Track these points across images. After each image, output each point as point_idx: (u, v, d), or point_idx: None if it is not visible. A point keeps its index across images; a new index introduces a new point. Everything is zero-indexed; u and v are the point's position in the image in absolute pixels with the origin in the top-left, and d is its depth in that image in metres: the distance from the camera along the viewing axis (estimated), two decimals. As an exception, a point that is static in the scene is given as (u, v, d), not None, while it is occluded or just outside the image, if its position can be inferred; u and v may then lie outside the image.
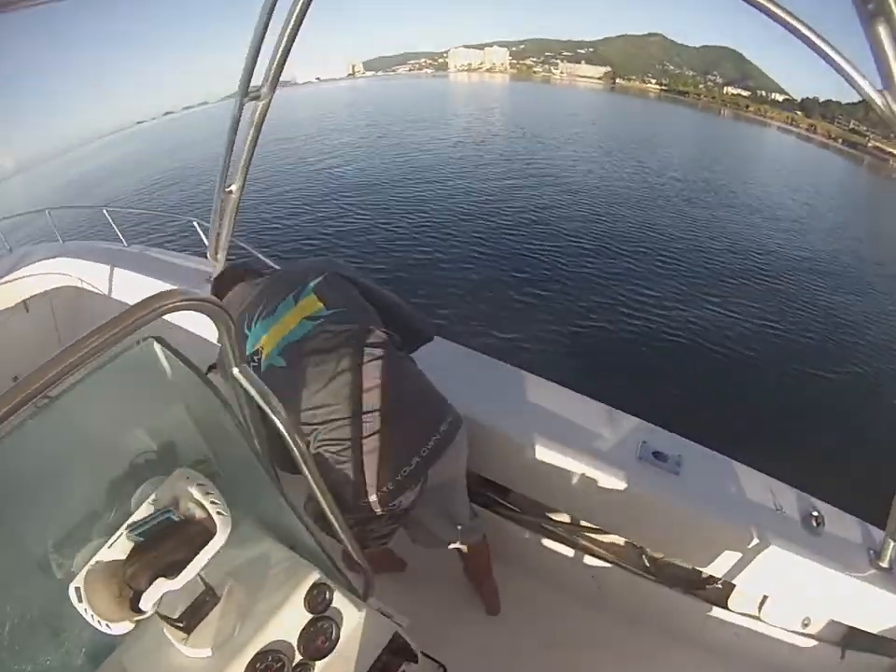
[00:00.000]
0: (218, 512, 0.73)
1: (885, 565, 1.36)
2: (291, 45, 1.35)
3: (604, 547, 1.80)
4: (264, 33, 1.33)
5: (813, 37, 0.78)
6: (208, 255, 2.12)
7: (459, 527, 1.54)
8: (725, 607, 1.66)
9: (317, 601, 0.89)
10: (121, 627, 0.69)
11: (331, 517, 0.93)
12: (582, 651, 1.70)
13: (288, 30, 1.31)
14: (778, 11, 0.77)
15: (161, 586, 0.70)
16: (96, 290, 3.33)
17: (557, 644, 1.72)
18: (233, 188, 1.59)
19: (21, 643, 0.73)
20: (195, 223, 2.98)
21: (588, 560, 1.79)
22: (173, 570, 0.70)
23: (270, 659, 0.82)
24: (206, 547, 0.71)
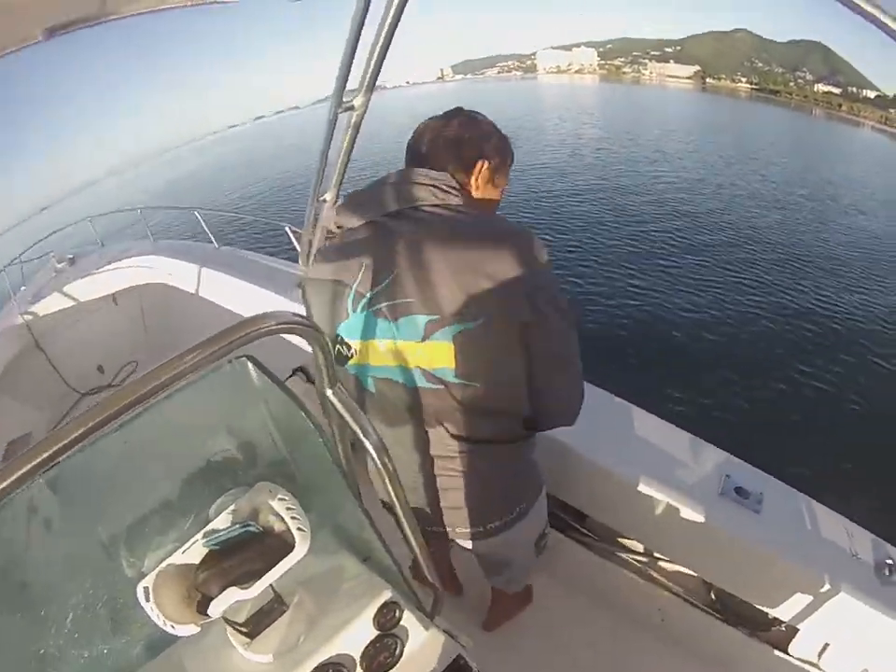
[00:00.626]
0: (299, 528, 0.74)
1: None
2: (385, 54, 1.36)
3: (673, 580, 1.76)
4: (357, 42, 1.35)
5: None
6: (299, 261, 2.22)
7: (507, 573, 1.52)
8: (786, 651, 1.59)
9: (386, 619, 0.89)
10: (186, 629, 0.71)
11: (408, 531, 0.92)
12: None
13: (382, 39, 1.32)
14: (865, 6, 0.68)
15: (233, 595, 0.71)
16: (185, 289, 3.51)
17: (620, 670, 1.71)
18: (327, 196, 1.63)
19: (83, 632, 0.76)
20: (287, 228, 3.05)
21: (656, 592, 1.76)
22: (246, 580, 0.72)
23: (331, 671, 0.82)
24: (283, 561, 0.73)
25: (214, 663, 0.86)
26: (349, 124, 1.46)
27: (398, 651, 0.88)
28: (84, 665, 0.77)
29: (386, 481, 0.83)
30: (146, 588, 0.72)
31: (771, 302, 7.59)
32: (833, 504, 1.51)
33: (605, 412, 1.70)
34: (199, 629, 0.73)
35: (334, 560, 0.98)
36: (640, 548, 1.78)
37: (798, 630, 1.53)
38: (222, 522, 0.75)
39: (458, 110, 1.15)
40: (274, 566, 0.72)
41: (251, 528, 0.73)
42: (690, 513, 1.45)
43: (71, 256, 4.45)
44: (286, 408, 0.79)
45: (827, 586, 1.35)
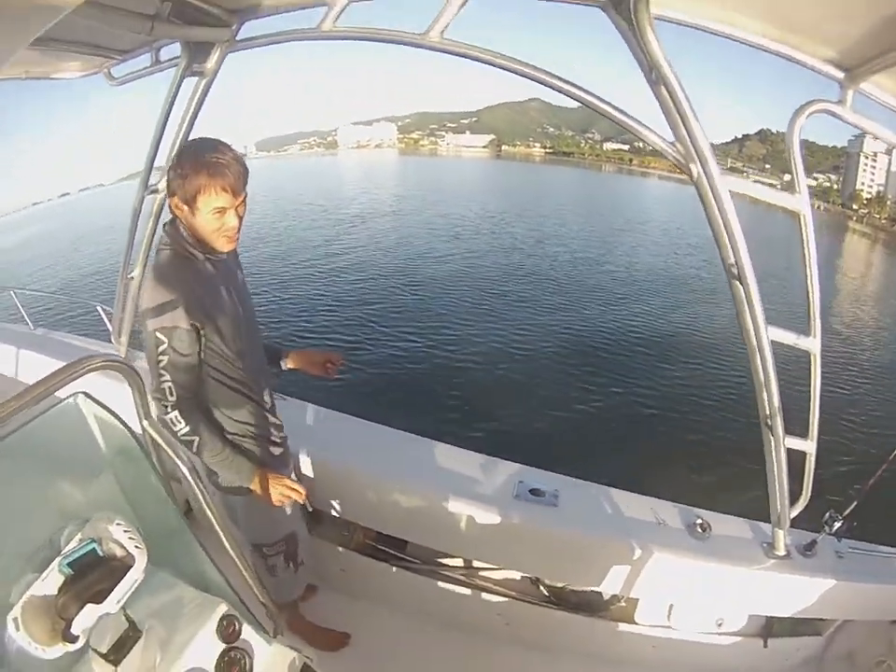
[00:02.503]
0: (136, 546, 0.85)
1: (781, 553, 1.46)
2: (190, 131, 1.53)
3: (501, 584, 1.88)
4: (163, 130, 1.50)
5: (610, 109, 0.99)
6: (112, 339, 2.18)
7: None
8: (633, 622, 1.73)
9: (228, 632, 0.99)
10: (55, 651, 0.78)
11: (237, 559, 1.06)
12: None
13: (184, 126, 1.49)
14: (575, 90, 1.00)
15: (91, 612, 0.80)
16: (2, 373, 3.08)
17: None
18: (135, 274, 1.72)
19: None
20: (99, 308, 2.97)
21: (491, 598, 1.85)
22: (99, 597, 0.81)
23: None
24: (127, 575, 0.83)
25: None
26: (153, 206, 1.59)
27: (248, 666, 0.99)
28: None
29: (203, 505, 0.95)
30: (15, 619, 0.77)
31: (545, 327, 9.04)
32: (631, 489, 1.67)
33: (397, 446, 1.89)
34: (66, 649, 0.79)
35: (176, 591, 1.05)
36: (461, 562, 1.91)
37: (638, 600, 1.70)
38: (72, 545, 0.84)
39: None
40: (120, 581, 0.82)
41: (95, 546, 0.83)
42: (494, 518, 1.57)
43: None
44: (122, 443, 0.90)
45: (645, 554, 1.46)
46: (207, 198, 1.18)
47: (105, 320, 2.83)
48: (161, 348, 1.20)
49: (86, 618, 0.79)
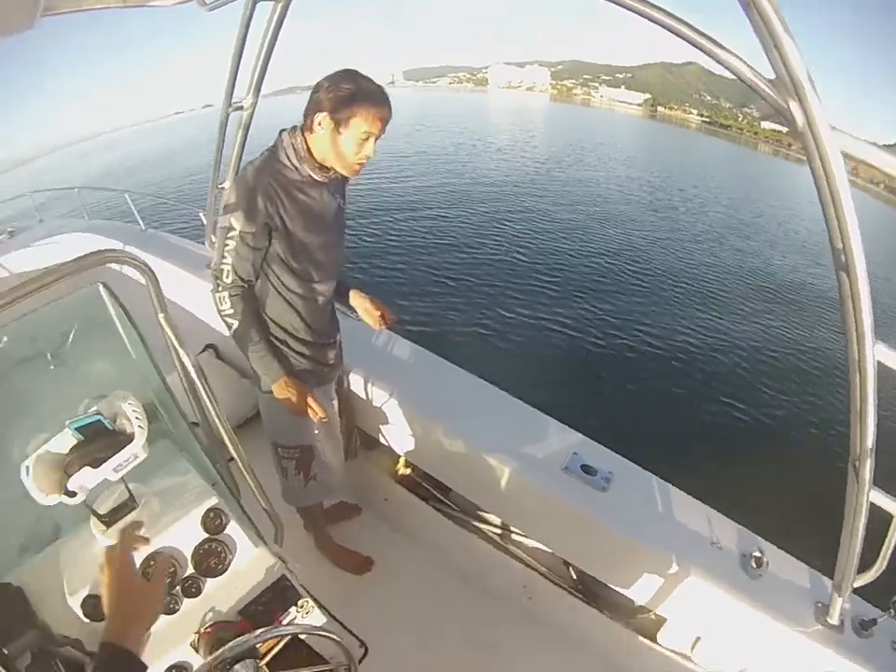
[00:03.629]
0: (139, 425, 0.93)
1: (833, 621, 1.24)
2: (269, 58, 1.56)
3: (533, 556, 1.82)
4: (243, 45, 1.51)
5: (696, 36, 0.73)
6: (205, 242, 2.39)
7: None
8: (654, 640, 1.59)
9: (213, 524, 1.06)
10: (52, 500, 0.88)
11: (240, 463, 1.10)
12: (509, 660, 1.72)
13: (266, 44, 1.49)
14: (656, 13, 0.80)
15: (87, 474, 0.89)
16: (113, 267, 3.57)
17: (487, 647, 1.75)
18: (225, 184, 1.82)
19: None
20: (200, 213, 3.25)
21: (520, 568, 1.81)
22: (97, 463, 0.90)
23: (162, 563, 0.98)
24: (125, 448, 0.91)
25: (79, 549, 1.02)
26: (240, 122, 1.66)
27: (226, 560, 1.05)
28: None
29: (207, 406, 1.01)
30: (27, 466, 0.88)
31: (654, 294, 8.51)
32: (692, 491, 1.50)
33: (465, 390, 1.84)
34: (62, 500, 0.89)
35: (182, 478, 1.14)
36: (498, 521, 1.87)
37: (666, 620, 1.53)
38: (83, 413, 0.93)
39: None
40: (118, 452, 0.91)
41: (102, 419, 0.91)
42: (536, 487, 1.50)
43: (11, 229, 4.63)
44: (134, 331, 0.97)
45: (689, 575, 1.32)
46: (362, 121, 1.25)
47: (206, 223, 3.14)
48: (231, 233, 1.30)
49: (83, 478, 0.88)
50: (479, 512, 1.91)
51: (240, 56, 1.52)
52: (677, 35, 0.75)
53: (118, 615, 0.75)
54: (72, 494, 0.89)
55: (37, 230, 4.47)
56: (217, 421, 1.04)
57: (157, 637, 0.93)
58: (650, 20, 0.76)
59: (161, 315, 0.95)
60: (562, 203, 14.70)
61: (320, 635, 0.85)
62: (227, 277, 1.35)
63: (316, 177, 1.37)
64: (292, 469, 1.66)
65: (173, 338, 0.96)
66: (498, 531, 1.88)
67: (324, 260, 1.46)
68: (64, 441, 0.92)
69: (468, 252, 9.42)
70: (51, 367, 0.99)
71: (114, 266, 0.86)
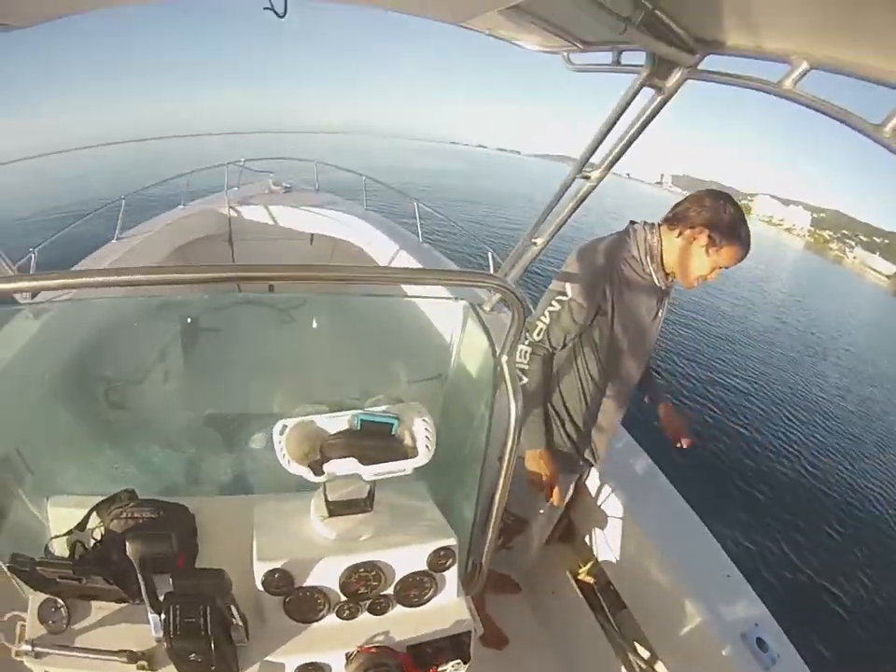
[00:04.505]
0: (426, 446, 0.92)
1: None
2: (633, 142, 1.56)
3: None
4: (611, 128, 1.55)
5: None
6: (498, 284, 2.49)
7: None
8: None
9: (437, 562, 1.01)
10: (299, 470, 0.89)
11: (493, 515, 1.06)
12: None
13: (636, 127, 1.50)
14: None
15: (348, 464, 0.89)
16: (375, 260, 3.83)
17: None
18: (538, 241, 1.87)
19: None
20: (490, 254, 3.31)
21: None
22: (365, 460, 0.90)
23: (368, 574, 0.96)
24: (404, 461, 0.90)
25: (290, 517, 1.04)
26: (578, 190, 1.68)
27: (426, 596, 1.01)
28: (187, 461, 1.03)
29: (506, 458, 0.96)
30: (284, 426, 0.92)
31: None
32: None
33: (685, 526, 1.77)
34: (304, 473, 0.90)
35: (425, 503, 1.13)
36: (650, 658, 1.76)
37: None
38: (377, 410, 0.96)
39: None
40: (394, 461, 0.90)
41: (395, 423, 0.92)
42: (710, 643, 1.49)
43: (288, 185, 4.98)
44: (480, 361, 0.98)
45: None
46: (729, 255, 1.31)
47: (491, 266, 3.20)
48: (560, 297, 1.34)
49: (342, 465, 0.89)
50: (637, 643, 1.81)
51: (608, 131, 1.55)
52: None
53: None
54: (319, 472, 0.90)
55: (312, 196, 4.83)
56: (502, 475, 1.01)
57: (322, 635, 0.95)
58: None
59: (504, 356, 0.94)
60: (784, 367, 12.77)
61: None
62: (537, 335, 1.37)
63: (657, 281, 1.38)
64: (507, 536, 1.66)
65: (508, 381, 0.94)
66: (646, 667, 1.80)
67: (631, 362, 1.46)
68: (335, 423, 0.94)
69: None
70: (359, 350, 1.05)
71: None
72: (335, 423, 0.94)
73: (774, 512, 5.62)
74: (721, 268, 1.33)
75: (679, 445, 1.65)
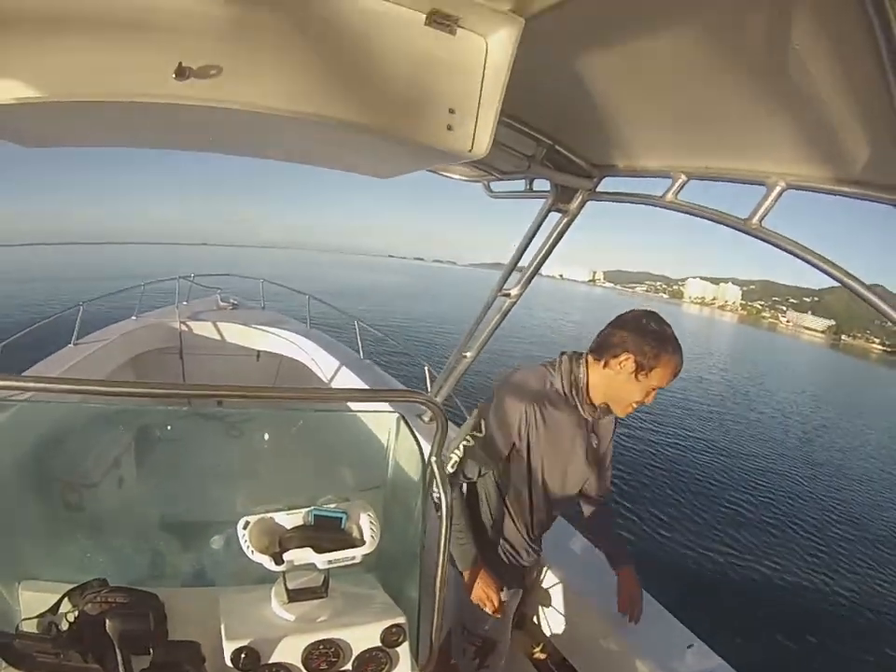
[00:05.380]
0: (371, 536, 1.08)
1: None
2: (546, 259, 1.76)
3: None
4: (525, 249, 1.75)
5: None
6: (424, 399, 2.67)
7: None
8: None
9: (391, 638, 1.12)
10: (259, 558, 1.01)
11: (435, 609, 1.14)
12: None
13: (547, 247, 1.70)
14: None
15: (305, 554, 1.03)
16: (320, 378, 3.90)
17: None
18: (468, 354, 2.03)
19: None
20: (426, 368, 3.43)
21: None
22: (319, 549, 1.05)
23: (328, 651, 1.06)
24: (350, 549, 1.06)
25: (253, 605, 1.13)
26: (501, 307, 1.89)
27: (383, 671, 1.10)
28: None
29: (441, 546, 1.09)
30: (247, 521, 1.05)
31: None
32: None
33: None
34: (267, 563, 1.02)
35: (375, 591, 1.25)
36: None
37: None
38: (329, 507, 1.12)
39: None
40: (344, 549, 1.05)
41: (343, 517, 1.09)
42: None
43: (235, 301, 5.19)
44: (414, 462, 1.16)
45: None
46: (660, 375, 1.26)
47: (427, 380, 3.25)
48: (475, 434, 1.36)
49: (298, 555, 1.02)
50: None
51: (524, 250, 1.75)
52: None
53: None
54: (280, 561, 1.02)
55: (259, 313, 5.04)
56: (439, 569, 1.11)
57: None
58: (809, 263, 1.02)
59: (433, 458, 1.09)
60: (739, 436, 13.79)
61: None
62: (451, 467, 1.39)
63: (583, 413, 1.37)
64: (471, 653, 1.64)
65: (438, 480, 1.08)
66: None
67: (557, 493, 1.46)
68: (291, 518, 1.09)
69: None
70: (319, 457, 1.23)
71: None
72: (291, 519, 1.09)
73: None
74: (655, 389, 1.29)
75: (625, 613, 1.61)
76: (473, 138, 0.80)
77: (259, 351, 4.67)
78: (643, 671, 1.56)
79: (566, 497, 1.52)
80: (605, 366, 1.30)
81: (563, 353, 1.41)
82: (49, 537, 1.28)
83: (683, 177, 1.22)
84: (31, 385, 0.82)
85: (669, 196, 1.25)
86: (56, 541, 1.28)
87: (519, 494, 1.45)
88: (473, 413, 1.44)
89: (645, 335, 1.25)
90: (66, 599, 1.10)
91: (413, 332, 18.89)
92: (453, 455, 1.40)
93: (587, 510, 1.72)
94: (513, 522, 1.51)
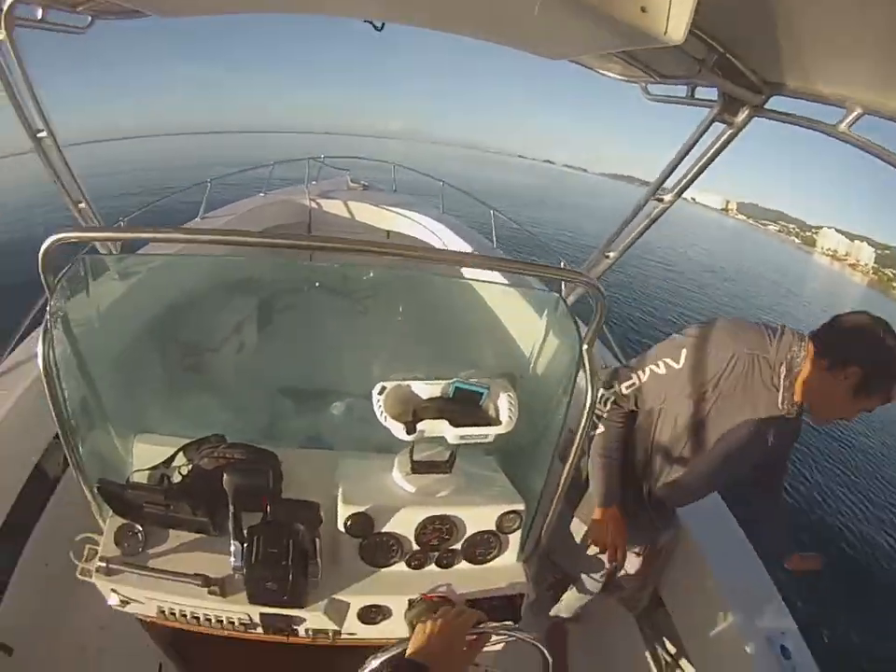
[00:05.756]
0: (509, 416, 1.00)
1: None
2: (703, 171, 1.62)
3: None
4: (688, 151, 1.61)
5: None
6: (587, 281, 2.59)
7: None
8: None
9: (505, 524, 1.08)
10: (393, 425, 0.96)
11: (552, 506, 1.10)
12: None
13: (706, 158, 1.57)
14: None
15: (438, 426, 0.96)
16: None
17: None
18: (611, 255, 1.94)
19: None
20: (562, 263, 3.24)
21: None
22: (455, 423, 0.97)
23: (442, 527, 1.03)
24: (484, 427, 0.98)
25: (373, 473, 1.11)
26: (650, 212, 1.69)
27: (489, 556, 1.09)
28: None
29: (576, 442, 1.01)
30: (383, 386, 1.00)
31: None
32: None
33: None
34: (397, 429, 0.96)
35: (497, 474, 1.21)
36: (674, 650, 1.76)
37: None
38: (471, 380, 1.02)
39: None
40: (479, 426, 0.98)
41: (486, 392, 1.00)
42: (733, 640, 1.47)
43: (366, 183, 5.12)
44: (565, 349, 1.06)
45: None
46: (882, 400, 1.14)
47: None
48: (667, 360, 1.22)
49: (432, 426, 0.96)
50: (667, 639, 1.80)
51: (681, 159, 1.63)
52: None
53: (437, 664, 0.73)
54: (412, 431, 0.96)
55: (388, 195, 4.96)
56: (572, 459, 1.05)
57: (390, 580, 1.03)
58: None
59: (584, 346, 0.98)
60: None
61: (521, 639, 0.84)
62: (626, 387, 1.27)
63: (780, 402, 1.20)
64: (547, 584, 1.61)
65: (588, 371, 0.97)
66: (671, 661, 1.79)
67: (719, 467, 1.30)
68: (429, 389, 1.02)
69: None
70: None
71: None
72: (429, 389, 1.03)
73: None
74: (868, 411, 1.16)
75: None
76: (667, 22, 0.73)
77: (389, 231, 4.60)
78: (722, 609, 1.51)
79: (716, 479, 1.38)
80: (827, 369, 1.14)
81: (784, 326, 1.24)
82: (169, 392, 1.33)
83: (859, 110, 1.10)
84: (159, 235, 0.84)
85: (842, 127, 1.14)
86: (176, 398, 1.33)
87: (673, 448, 1.30)
88: (675, 338, 1.28)
89: (880, 352, 1.10)
90: (182, 453, 1.14)
91: (544, 231, 17.75)
92: (633, 376, 1.27)
93: (755, 502, 1.57)
94: (663, 472, 1.35)
